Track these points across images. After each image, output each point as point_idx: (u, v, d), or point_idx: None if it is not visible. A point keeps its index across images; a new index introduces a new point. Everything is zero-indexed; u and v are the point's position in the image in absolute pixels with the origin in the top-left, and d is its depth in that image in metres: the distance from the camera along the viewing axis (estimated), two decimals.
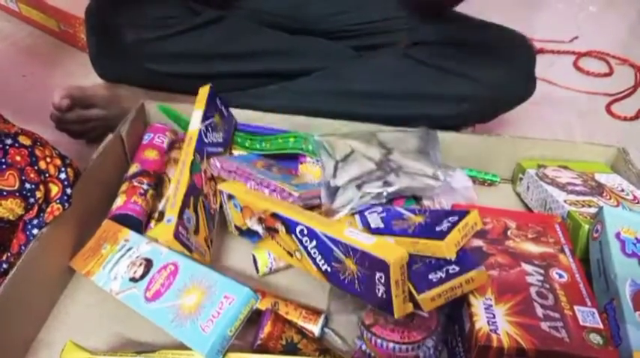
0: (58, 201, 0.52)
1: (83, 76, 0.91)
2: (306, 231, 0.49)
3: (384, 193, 0.61)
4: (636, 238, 0.52)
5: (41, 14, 1.01)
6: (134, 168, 0.66)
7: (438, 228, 0.50)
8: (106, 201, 0.62)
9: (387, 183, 0.62)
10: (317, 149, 0.67)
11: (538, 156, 0.74)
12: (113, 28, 0.68)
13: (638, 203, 0.64)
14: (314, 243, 0.49)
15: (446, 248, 0.47)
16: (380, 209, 0.59)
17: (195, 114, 0.63)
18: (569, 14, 1.52)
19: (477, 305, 0.46)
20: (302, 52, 0.76)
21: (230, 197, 0.60)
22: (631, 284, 0.48)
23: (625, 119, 0.96)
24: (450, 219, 0.51)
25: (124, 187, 0.63)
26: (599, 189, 0.66)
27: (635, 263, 0.50)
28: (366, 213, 0.60)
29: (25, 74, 0.90)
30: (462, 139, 0.72)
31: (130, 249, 0.54)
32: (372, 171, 0.64)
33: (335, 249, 0.47)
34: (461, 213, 0.51)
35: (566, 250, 0.54)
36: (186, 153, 0.58)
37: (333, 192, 0.61)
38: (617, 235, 0.52)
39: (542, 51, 1.16)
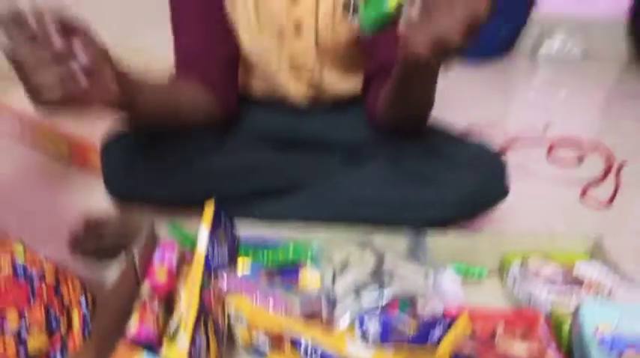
0: (80, 331, 0.56)
1: (93, 197, 0.98)
2: (310, 349, 0.54)
3: (381, 299, 0.66)
4: (613, 332, 0.56)
5: (52, 138, 1.10)
6: (146, 287, 0.70)
7: (431, 336, 0.55)
8: (120, 320, 0.66)
9: (382, 288, 0.68)
10: (316, 256, 0.73)
11: (522, 250, 0.80)
12: (129, 157, 0.76)
13: (616, 292, 0.69)
14: None
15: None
16: (377, 315, 0.64)
17: (202, 233, 0.69)
18: (541, 101, 1.64)
19: None
20: (297, 168, 0.84)
21: (237, 313, 0.64)
22: None
23: (600, 205, 1.02)
24: (441, 325, 0.56)
25: (136, 307, 0.68)
26: (579, 280, 0.71)
27: (614, 356, 0.54)
28: (365, 320, 0.64)
29: (37, 197, 0.97)
30: (449, 237, 0.78)
31: None
32: (368, 277, 0.70)
33: None
34: (451, 318, 0.56)
35: (553, 346, 0.59)
36: (195, 273, 0.64)
37: (333, 301, 0.66)
38: (596, 331, 0.56)
39: (517, 141, 1.25)
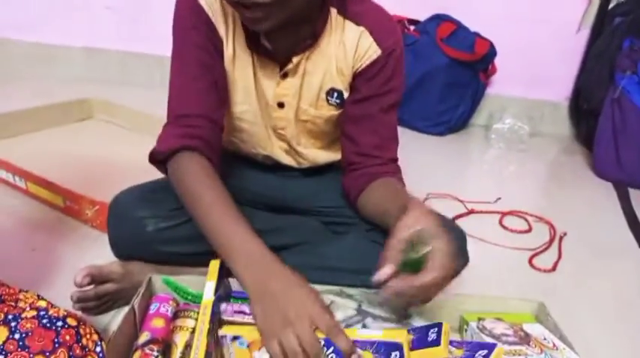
0: None
1: (89, 248, 1.04)
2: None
3: None
4: None
5: (48, 191, 1.16)
6: (144, 337, 0.77)
7: None
8: None
9: (365, 327, 0.77)
10: None
11: (478, 311, 0.91)
12: (136, 219, 0.83)
13: (557, 349, 0.80)
14: (331, 349, 0.62)
15: None
16: None
17: (208, 286, 0.75)
18: (494, 173, 1.82)
19: None
20: (282, 230, 0.93)
21: (235, 338, 0.71)
22: None
23: (545, 271, 1.16)
24: None
25: (136, 356, 0.74)
26: (527, 339, 0.83)
27: None
28: None
29: (34, 248, 1.03)
30: None
31: None
32: (352, 316, 0.79)
33: None
34: None
35: None
36: (202, 322, 0.70)
37: None
38: None
39: (472, 211, 1.39)
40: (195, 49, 0.81)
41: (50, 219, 1.14)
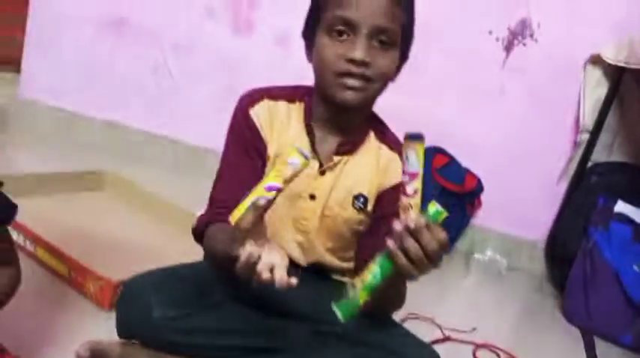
0: None
1: (88, 323, 1.09)
2: None
3: None
4: None
5: (55, 259, 1.22)
6: None
7: None
8: None
9: None
10: None
11: None
12: (145, 304, 0.88)
13: None
14: None
15: None
16: None
17: None
18: (469, 303, 1.90)
19: None
20: (273, 333, 0.99)
21: None
22: None
23: None
24: None
25: None
26: None
27: None
28: None
29: (33, 315, 1.07)
30: None
31: None
32: None
33: None
34: None
35: None
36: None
37: None
38: None
39: (449, 338, 1.46)
40: (236, 147, 0.99)
41: (53, 288, 1.19)
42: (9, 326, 1.00)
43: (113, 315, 0.95)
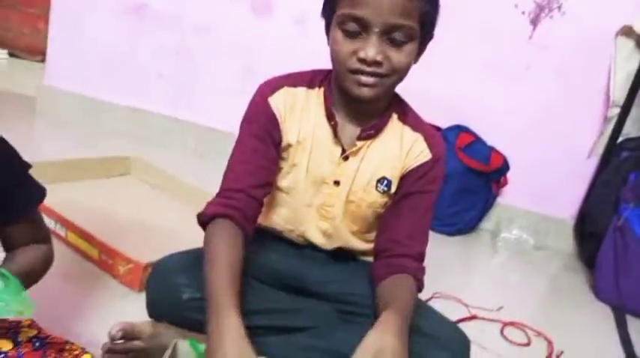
0: None
1: (118, 304, 1.12)
2: None
3: None
4: None
5: (85, 243, 1.24)
6: None
7: None
8: None
9: None
10: None
11: None
12: (174, 286, 0.90)
13: None
14: None
15: None
16: None
17: None
18: (497, 281, 1.89)
19: None
20: (297, 311, 1.00)
21: None
22: None
23: None
24: None
25: None
26: None
27: None
28: None
29: (65, 297, 1.09)
30: None
31: None
32: None
33: None
34: None
35: None
36: None
37: None
38: None
39: (475, 317, 1.45)
40: (250, 137, 0.96)
41: (83, 271, 1.21)
42: (42, 308, 1.02)
43: (143, 296, 0.97)
